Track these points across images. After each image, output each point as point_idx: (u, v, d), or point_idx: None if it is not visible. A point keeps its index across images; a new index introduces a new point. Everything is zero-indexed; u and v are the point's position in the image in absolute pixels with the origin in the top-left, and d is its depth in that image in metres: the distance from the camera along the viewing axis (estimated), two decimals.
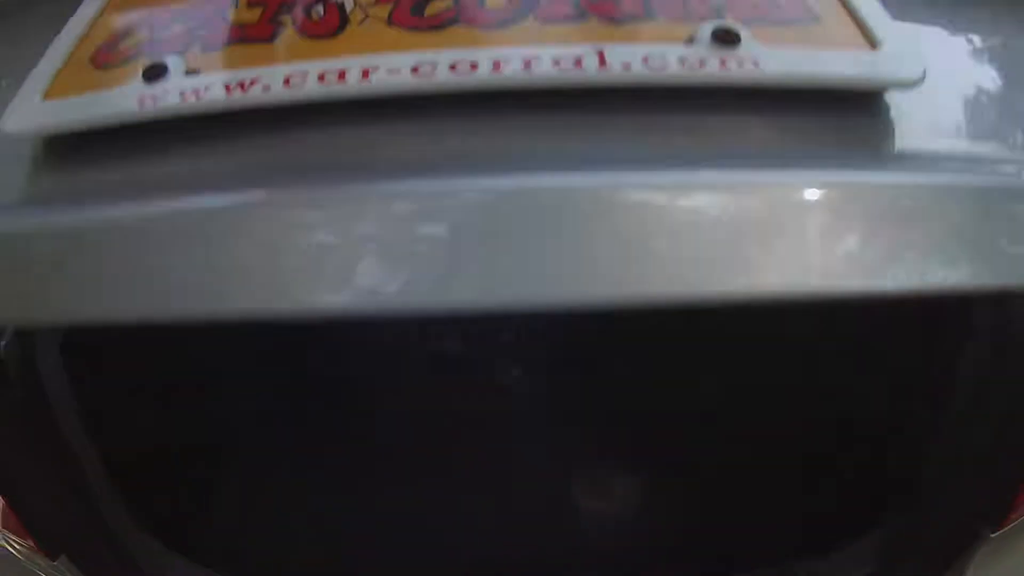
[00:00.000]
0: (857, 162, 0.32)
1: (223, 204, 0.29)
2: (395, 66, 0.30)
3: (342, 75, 0.30)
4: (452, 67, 0.30)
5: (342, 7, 0.32)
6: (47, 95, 0.33)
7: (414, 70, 0.30)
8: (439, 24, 0.31)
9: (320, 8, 0.32)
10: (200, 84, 0.31)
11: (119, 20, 0.36)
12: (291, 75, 0.30)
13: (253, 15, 0.33)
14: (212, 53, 0.33)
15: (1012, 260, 0.31)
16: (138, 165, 0.32)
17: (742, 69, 0.30)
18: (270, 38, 0.32)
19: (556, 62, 0.30)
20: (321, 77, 0.30)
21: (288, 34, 0.32)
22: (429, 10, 0.32)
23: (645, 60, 0.30)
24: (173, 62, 0.32)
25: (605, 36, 0.31)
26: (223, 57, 0.33)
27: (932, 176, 0.31)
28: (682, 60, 0.30)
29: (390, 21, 0.32)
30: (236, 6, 0.34)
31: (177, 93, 0.31)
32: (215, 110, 0.31)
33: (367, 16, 0.32)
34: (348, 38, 0.32)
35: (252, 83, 0.30)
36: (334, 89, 0.30)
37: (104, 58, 0.34)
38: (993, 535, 0.64)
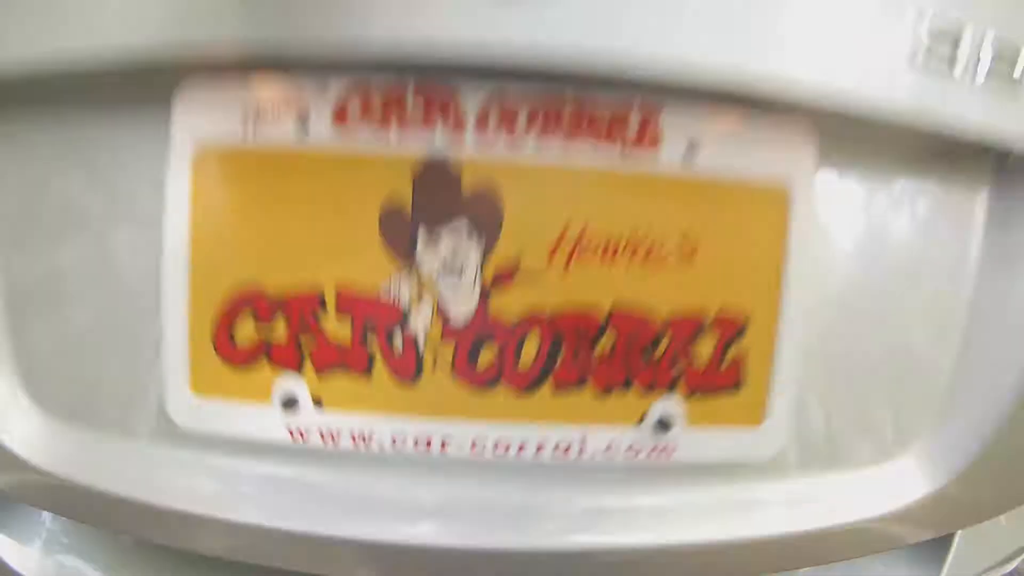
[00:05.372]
0: None
1: None
2: (461, 439, 0.45)
3: (428, 442, 0.45)
4: (495, 445, 0.46)
5: (415, 342, 0.45)
6: (194, 388, 0.45)
7: (472, 445, 0.46)
8: (486, 382, 0.45)
9: (399, 341, 0.45)
10: (332, 428, 0.45)
11: (221, 292, 0.44)
12: (395, 435, 0.45)
13: (344, 331, 0.44)
14: (324, 377, 0.45)
15: None
16: None
17: (667, 455, 0.47)
18: (367, 370, 0.45)
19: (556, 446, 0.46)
20: (416, 443, 0.45)
21: (379, 370, 0.45)
22: (480, 358, 0.45)
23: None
24: (301, 393, 0.45)
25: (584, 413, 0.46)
26: (335, 388, 0.45)
27: None
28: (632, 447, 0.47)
29: (454, 371, 0.45)
30: (324, 309, 0.44)
31: (316, 433, 0.44)
32: (344, 453, 0.45)
33: (436, 362, 0.45)
34: (424, 390, 0.45)
35: (370, 439, 0.45)
36: (422, 454, 0.45)
37: (227, 351, 0.44)
38: None
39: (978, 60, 0.40)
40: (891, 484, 0.50)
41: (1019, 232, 0.48)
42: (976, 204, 0.49)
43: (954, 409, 0.50)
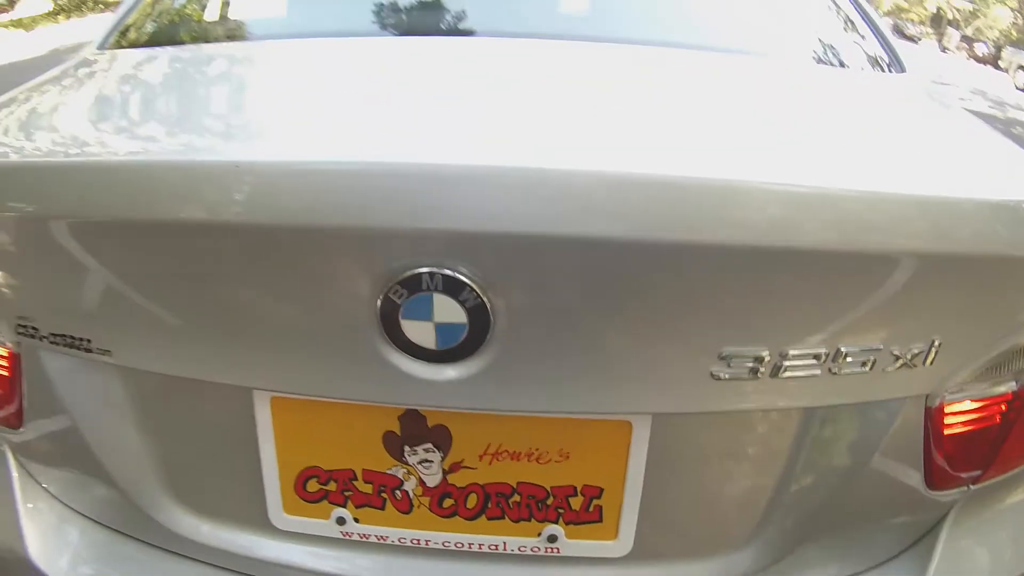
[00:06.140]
0: None
1: None
2: (436, 540, 0.79)
3: (418, 541, 0.79)
4: (456, 544, 0.79)
5: (408, 495, 0.79)
6: (286, 511, 0.81)
7: (443, 544, 0.78)
8: (448, 515, 0.78)
9: (399, 494, 0.78)
10: (364, 533, 0.79)
11: (297, 470, 0.79)
12: (400, 538, 0.80)
13: (368, 489, 0.78)
14: (359, 508, 0.80)
15: None
16: None
17: (557, 552, 0.79)
18: (382, 507, 0.79)
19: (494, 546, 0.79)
20: (412, 541, 0.79)
21: (389, 507, 0.79)
22: (444, 503, 0.78)
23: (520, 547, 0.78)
24: (347, 516, 0.80)
25: (504, 530, 0.78)
26: (366, 513, 0.80)
27: None
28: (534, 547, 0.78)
29: (430, 509, 0.78)
30: (356, 479, 0.79)
31: (356, 535, 0.80)
32: (370, 545, 0.80)
33: (420, 504, 0.78)
34: (414, 516, 0.79)
35: (385, 539, 0.79)
36: (415, 547, 0.80)
37: (302, 495, 0.79)
38: (974, 486, 0.84)
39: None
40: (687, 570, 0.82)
41: None
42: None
43: (752, 534, 0.80)
